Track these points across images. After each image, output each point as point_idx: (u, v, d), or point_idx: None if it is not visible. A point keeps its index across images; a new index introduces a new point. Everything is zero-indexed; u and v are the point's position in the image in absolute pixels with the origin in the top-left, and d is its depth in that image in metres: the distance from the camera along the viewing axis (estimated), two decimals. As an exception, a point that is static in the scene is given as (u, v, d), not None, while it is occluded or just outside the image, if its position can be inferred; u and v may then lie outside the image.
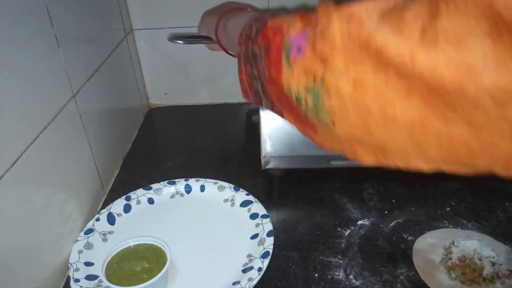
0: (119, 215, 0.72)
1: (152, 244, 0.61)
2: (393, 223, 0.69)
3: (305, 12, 0.39)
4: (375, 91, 0.31)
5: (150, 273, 0.56)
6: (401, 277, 0.59)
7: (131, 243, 0.61)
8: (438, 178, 0.77)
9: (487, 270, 0.57)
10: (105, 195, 0.79)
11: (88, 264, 0.62)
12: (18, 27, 0.54)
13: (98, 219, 0.70)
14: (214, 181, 0.77)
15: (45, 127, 0.59)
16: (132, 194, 0.75)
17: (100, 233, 0.68)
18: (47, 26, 0.61)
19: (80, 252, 0.64)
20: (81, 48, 0.72)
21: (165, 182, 0.77)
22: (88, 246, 0.65)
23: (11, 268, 0.51)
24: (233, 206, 0.73)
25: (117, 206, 0.73)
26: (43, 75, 0.59)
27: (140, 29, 1.01)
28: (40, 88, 0.58)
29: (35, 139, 0.56)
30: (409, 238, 0.65)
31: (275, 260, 0.63)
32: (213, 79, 1.08)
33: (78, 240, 0.66)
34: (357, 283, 0.59)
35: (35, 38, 0.58)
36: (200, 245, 0.66)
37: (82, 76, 0.72)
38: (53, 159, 0.61)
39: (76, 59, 0.70)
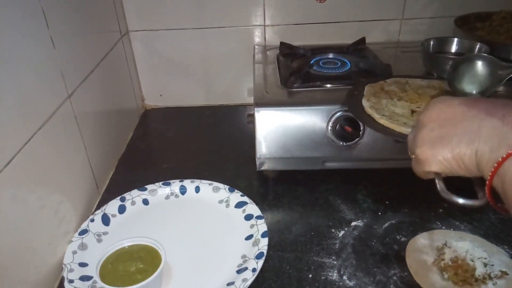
0: (113, 216, 0.72)
1: (147, 245, 0.61)
2: (386, 225, 0.69)
3: None
4: None
5: (145, 273, 0.56)
6: (394, 278, 0.60)
7: (126, 243, 0.61)
8: (431, 180, 0.78)
9: (479, 271, 0.58)
10: (100, 196, 0.79)
11: (82, 264, 0.62)
12: (14, 28, 0.54)
13: (92, 220, 0.70)
14: (209, 182, 0.77)
15: (40, 128, 0.59)
16: (127, 195, 0.75)
17: (94, 234, 0.68)
18: (42, 27, 0.61)
19: (74, 253, 0.64)
20: (76, 49, 0.72)
21: (160, 183, 0.78)
22: (83, 247, 0.65)
23: (5, 269, 0.51)
24: (228, 207, 0.73)
25: (112, 207, 0.73)
26: (38, 76, 0.59)
27: (136, 31, 1.01)
28: (35, 89, 0.58)
29: (30, 139, 0.56)
30: (402, 239, 0.66)
31: (270, 261, 0.63)
32: (208, 80, 1.09)
33: (72, 241, 0.65)
34: (351, 283, 0.59)
35: (30, 39, 0.58)
36: (195, 246, 0.67)
37: (77, 77, 0.72)
38: (48, 160, 0.61)
39: (72, 60, 0.70)
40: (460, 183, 0.43)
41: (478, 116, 0.39)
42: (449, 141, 0.41)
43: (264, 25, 1.01)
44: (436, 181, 0.45)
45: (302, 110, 0.72)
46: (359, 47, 0.95)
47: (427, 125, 0.44)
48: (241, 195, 0.74)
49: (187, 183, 0.77)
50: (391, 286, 0.59)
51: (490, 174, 0.37)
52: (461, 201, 0.43)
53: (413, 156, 0.46)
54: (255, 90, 0.80)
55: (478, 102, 0.41)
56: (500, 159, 0.36)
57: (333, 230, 0.68)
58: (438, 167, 0.43)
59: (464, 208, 0.70)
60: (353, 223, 0.70)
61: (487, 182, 0.38)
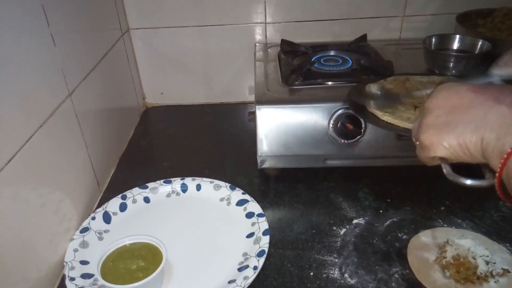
0: (115, 214, 0.72)
1: (148, 243, 0.61)
2: (388, 222, 0.69)
3: None
4: None
5: (146, 271, 0.56)
6: (395, 275, 0.60)
7: (127, 241, 0.61)
8: (433, 178, 0.78)
9: (481, 269, 0.58)
10: (101, 194, 0.79)
11: (84, 262, 0.62)
12: (14, 26, 0.54)
13: (93, 218, 0.70)
14: (210, 180, 0.77)
15: (41, 126, 0.58)
16: (128, 193, 0.75)
17: (95, 231, 0.68)
18: (43, 25, 0.61)
19: (75, 250, 0.64)
20: (77, 47, 0.72)
21: (161, 181, 0.78)
22: (84, 244, 0.65)
23: (6, 267, 0.51)
24: (229, 205, 0.73)
25: (113, 205, 0.73)
26: (39, 74, 0.59)
27: (137, 29, 1.01)
28: (35, 87, 0.58)
29: (30, 137, 0.56)
30: (404, 237, 0.66)
31: (271, 259, 0.63)
32: (209, 78, 1.08)
33: (73, 239, 0.65)
34: (352, 281, 0.59)
35: (31, 37, 0.58)
36: (196, 243, 0.67)
37: (78, 75, 0.72)
38: (49, 158, 0.61)
39: (72, 58, 0.70)
40: (465, 165, 0.42)
41: (485, 103, 0.39)
42: (455, 128, 0.40)
43: (265, 23, 1.01)
44: (442, 166, 0.44)
45: (303, 107, 0.72)
46: (360, 45, 0.95)
47: (433, 111, 0.43)
48: (242, 193, 0.74)
49: (188, 181, 0.77)
50: (393, 284, 0.58)
51: (499, 166, 0.36)
52: (468, 182, 0.42)
53: (418, 142, 0.46)
54: (256, 87, 0.80)
55: (486, 89, 0.40)
56: (510, 149, 0.35)
57: (334, 228, 0.68)
58: (443, 152, 0.42)
59: (466, 206, 0.71)
60: (355, 221, 0.70)
61: (496, 175, 0.38)
